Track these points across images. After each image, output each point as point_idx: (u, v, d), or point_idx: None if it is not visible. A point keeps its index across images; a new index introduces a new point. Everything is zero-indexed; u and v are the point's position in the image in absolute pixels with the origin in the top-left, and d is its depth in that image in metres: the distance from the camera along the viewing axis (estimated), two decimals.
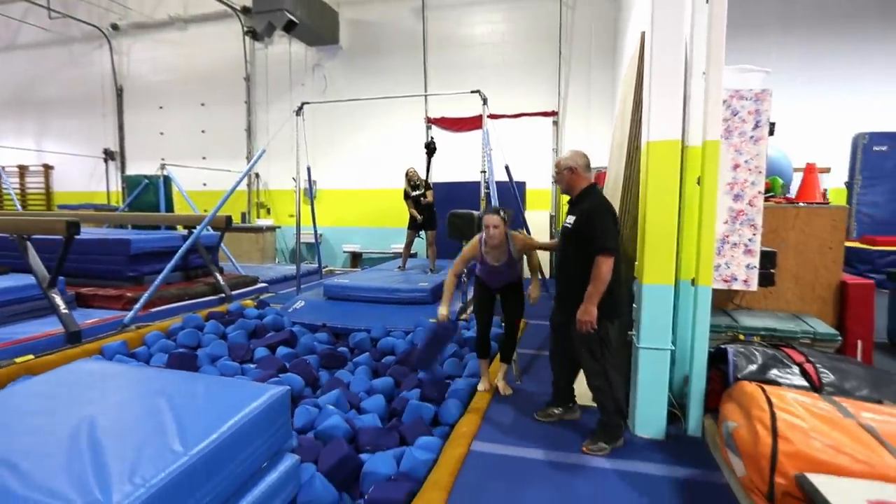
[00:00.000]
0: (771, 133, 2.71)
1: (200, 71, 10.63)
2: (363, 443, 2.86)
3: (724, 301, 3.31)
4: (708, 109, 2.48)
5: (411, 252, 7.33)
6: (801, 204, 3.18)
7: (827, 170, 7.90)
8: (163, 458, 1.79)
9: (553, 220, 8.86)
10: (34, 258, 4.28)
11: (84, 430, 1.98)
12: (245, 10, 9.21)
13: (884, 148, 7.04)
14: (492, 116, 9.13)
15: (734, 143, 2.76)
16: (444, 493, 2.14)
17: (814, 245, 3.15)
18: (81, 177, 11.67)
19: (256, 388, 2.40)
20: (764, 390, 2.02)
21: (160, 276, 5.01)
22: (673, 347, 2.57)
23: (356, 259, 10.07)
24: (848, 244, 7.03)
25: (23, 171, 12.27)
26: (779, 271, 3.12)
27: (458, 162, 8.75)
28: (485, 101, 5.50)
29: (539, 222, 8.51)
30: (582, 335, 2.50)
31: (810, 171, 3.30)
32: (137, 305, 4.81)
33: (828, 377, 2.36)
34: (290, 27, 7.76)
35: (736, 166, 2.78)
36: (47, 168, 12.12)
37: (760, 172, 2.75)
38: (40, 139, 12.06)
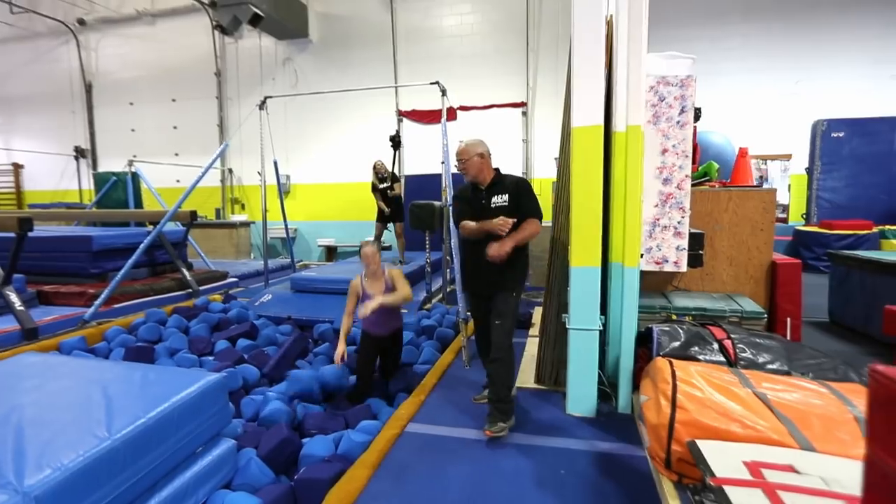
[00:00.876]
0: (696, 118, 2.79)
1: (170, 66, 10.52)
2: (308, 427, 2.93)
3: (663, 284, 3.41)
4: (630, 95, 2.55)
5: (384, 245, 7.37)
6: (733, 188, 3.28)
7: (788, 156, 8.09)
8: (83, 443, 1.84)
9: None
10: None
11: (12, 419, 2.02)
12: (212, 5, 9.11)
13: (841, 134, 7.21)
14: (461, 108, 9.23)
15: (662, 128, 2.84)
16: (369, 471, 2.21)
17: (746, 227, 3.25)
18: (52, 175, 11.50)
19: (191, 376, 2.45)
20: (671, 364, 2.11)
21: (121, 272, 5.01)
22: (601, 328, 2.65)
23: (331, 253, 10.08)
24: (807, 229, 7.24)
25: None
26: (714, 253, 3.23)
27: (428, 154, 8.79)
28: (444, 93, 5.52)
29: None
30: (501, 302, 2.63)
31: (742, 155, 3.40)
32: (98, 301, 4.80)
33: (744, 352, 2.47)
34: (255, 21, 7.71)
35: (664, 151, 2.86)
36: (17, 167, 11.93)
37: (687, 157, 2.83)
38: (9, 137, 11.86)
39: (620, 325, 2.71)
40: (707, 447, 1.70)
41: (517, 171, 9.01)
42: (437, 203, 5.72)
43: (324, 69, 9.74)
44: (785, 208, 8.55)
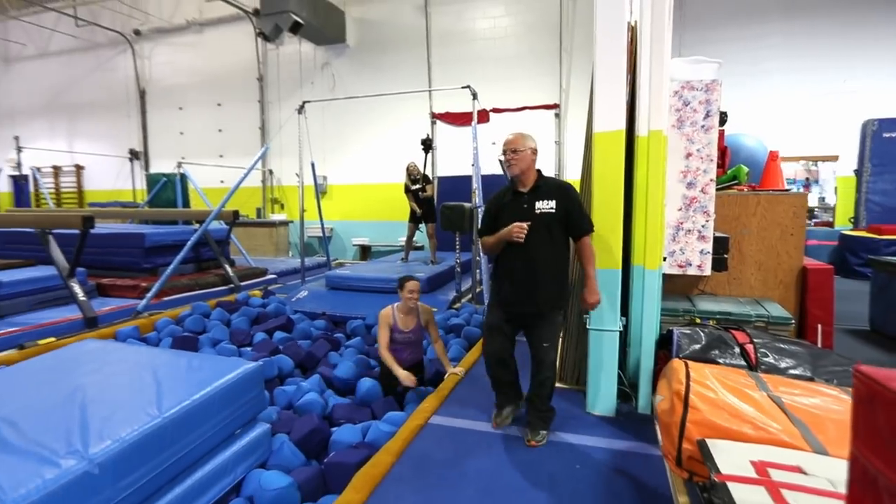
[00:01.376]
0: (722, 123, 2.79)
1: (216, 72, 11.07)
2: (337, 416, 3.10)
3: (689, 287, 3.40)
4: (652, 100, 2.58)
5: (417, 245, 7.55)
6: (762, 191, 3.24)
7: (835, 157, 7.75)
8: (137, 420, 2.06)
9: None
10: (55, 250, 4.67)
11: (77, 397, 2.27)
12: (256, 13, 9.55)
13: (893, 134, 6.86)
14: (494, 111, 9.30)
15: (686, 132, 2.86)
16: (393, 458, 2.35)
17: (775, 231, 3.20)
18: (109, 176, 12.32)
19: (230, 364, 2.66)
20: (687, 366, 2.14)
21: (170, 268, 5.37)
22: (620, 329, 2.69)
23: (365, 252, 10.36)
24: (854, 233, 6.93)
25: (57, 171, 13.02)
26: (742, 257, 3.20)
27: (461, 156, 8.90)
28: (474, 97, 5.63)
29: None
30: (551, 323, 2.49)
31: (772, 159, 3.34)
32: (149, 294, 5.17)
33: (766, 357, 2.46)
34: (295, 28, 8.04)
35: (688, 155, 2.87)
36: (79, 168, 12.83)
37: (712, 161, 2.83)
38: (72, 141, 12.77)
39: (641, 326, 2.74)
40: (716, 446, 1.74)
41: (550, 174, 9.02)
42: (467, 205, 5.83)
43: (360, 73, 10.03)
44: (830, 211, 8.19)
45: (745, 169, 3.36)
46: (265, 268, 7.61)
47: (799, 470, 1.59)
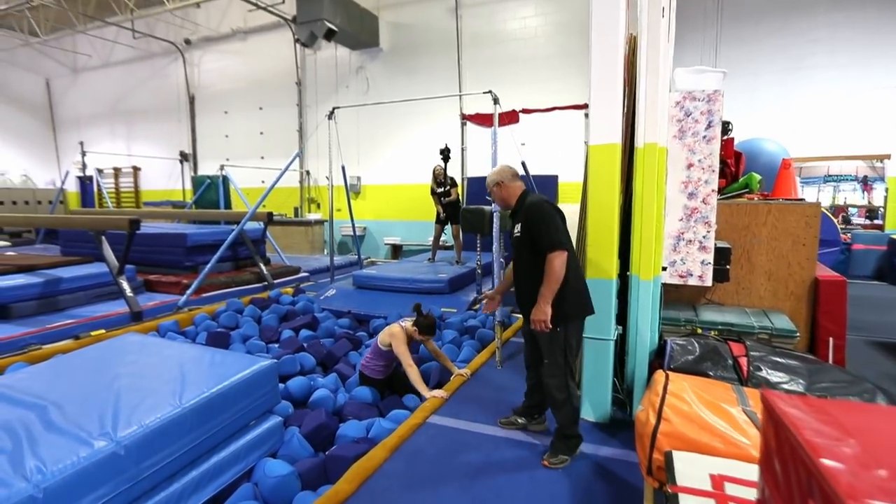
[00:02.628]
0: (725, 133, 2.77)
1: (258, 78, 11.63)
2: (346, 412, 3.31)
3: (696, 296, 3.38)
4: (647, 113, 2.62)
5: (448, 244, 7.73)
6: (773, 200, 3.17)
7: (886, 156, 7.29)
8: (161, 408, 2.32)
9: None
10: (107, 249, 5.15)
11: (114, 385, 2.57)
12: (295, 20, 9.97)
13: None
14: (524, 111, 9.29)
15: (688, 142, 2.86)
16: (388, 453, 2.52)
17: (787, 241, 3.13)
18: (162, 177, 13.20)
19: (248, 361, 2.91)
20: (667, 377, 2.19)
21: (207, 266, 5.78)
22: (614, 338, 2.75)
23: (396, 251, 10.63)
24: None
25: (117, 172, 14.07)
26: (751, 267, 3.17)
27: (490, 157, 8.97)
28: (496, 101, 5.70)
29: (572, 215, 8.57)
30: (544, 339, 2.42)
31: (785, 167, 3.25)
32: (189, 291, 5.59)
33: (758, 371, 2.46)
34: (330, 35, 8.36)
35: (690, 165, 2.87)
36: (136, 169, 13.81)
37: (714, 171, 2.82)
38: (130, 144, 13.76)
39: (636, 336, 2.79)
40: (681, 458, 1.80)
41: (579, 174, 8.93)
42: (487, 208, 5.93)
43: (393, 76, 10.27)
44: (880, 213, 7.70)
45: (758, 177, 3.29)
46: (298, 266, 7.99)
47: (756, 485, 1.64)
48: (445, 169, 6.87)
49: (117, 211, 8.85)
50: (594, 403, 2.84)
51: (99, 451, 2.01)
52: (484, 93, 5.90)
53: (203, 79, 12.45)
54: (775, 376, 2.41)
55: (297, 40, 10.43)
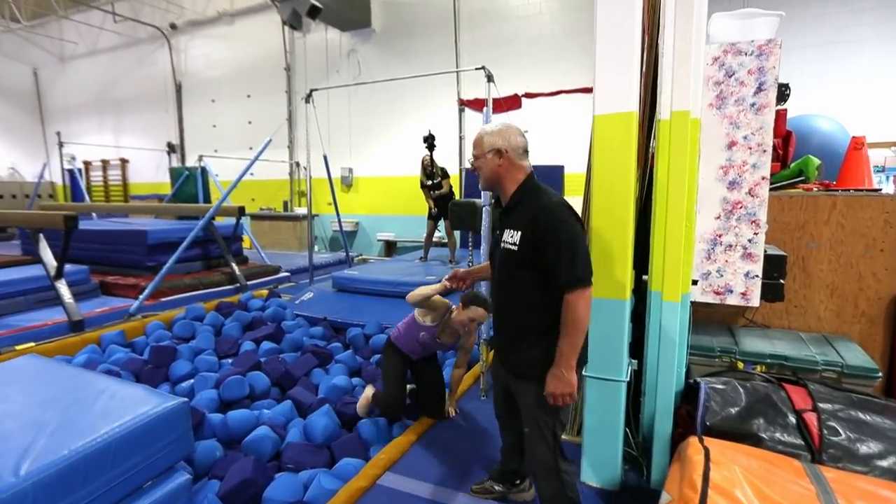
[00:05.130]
0: (782, 99, 2.02)
1: (246, 64, 10.96)
2: (286, 460, 2.63)
3: (733, 316, 2.64)
4: (676, 71, 1.87)
5: (443, 242, 7.06)
6: (839, 191, 2.40)
7: None
8: None
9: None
10: (44, 249, 4.52)
11: None
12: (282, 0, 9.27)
13: None
14: (527, 95, 8.50)
15: (729, 113, 2.10)
16: None
17: (858, 245, 2.37)
18: (149, 168, 12.63)
19: (150, 400, 2.23)
20: (707, 456, 1.47)
21: (164, 267, 5.13)
22: (625, 379, 2.02)
23: (390, 247, 9.94)
24: None
25: (105, 164, 13.53)
26: (807, 279, 2.41)
27: None
28: (489, 79, 4.95)
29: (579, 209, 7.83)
30: (528, 398, 1.71)
31: (855, 147, 2.47)
32: (142, 296, 4.96)
33: (836, 435, 1.72)
34: (314, 13, 7.64)
35: (732, 144, 2.12)
36: (124, 162, 13.25)
37: (765, 151, 2.07)
38: (118, 135, 13.20)
39: (657, 375, 2.06)
40: None
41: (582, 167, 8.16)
42: (478, 201, 5.20)
43: (386, 60, 9.53)
44: None
45: (816, 161, 2.53)
46: (278, 265, 7.34)
47: None
48: (432, 158, 6.11)
49: (72, 206, 8.23)
50: (598, 463, 2.12)
51: None
52: (476, 69, 5.15)
53: (190, 65, 11.80)
54: (865, 445, 1.67)
55: (284, 22, 9.73)
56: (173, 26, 11.65)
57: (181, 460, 2.29)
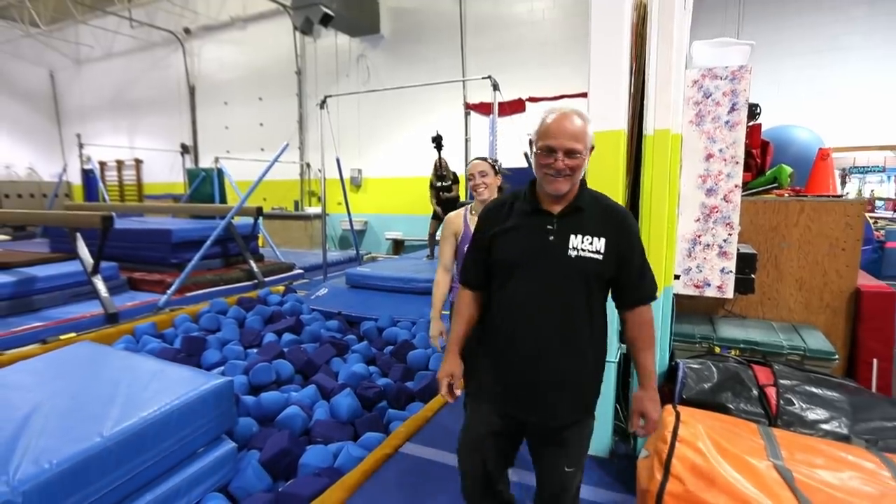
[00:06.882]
0: (752, 117, 2.33)
1: (258, 67, 11.30)
2: (315, 434, 2.96)
3: (714, 308, 2.94)
4: (658, 93, 2.18)
5: None
6: (808, 197, 2.71)
7: None
8: (80, 441, 1.99)
9: None
10: (81, 247, 4.87)
11: (37, 410, 2.24)
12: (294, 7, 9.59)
13: None
14: (531, 99, 8.83)
15: (707, 129, 2.41)
16: (346, 494, 2.16)
17: (823, 245, 2.68)
18: (163, 169, 13.00)
19: (199, 379, 2.56)
20: (678, 417, 1.79)
21: (190, 264, 5.47)
22: (615, 360, 2.34)
23: (398, 246, 10.26)
24: None
25: (120, 165, 13.92)
26: (779, 275, 2.72)
27: (497, 148, 8.53)
28: (495, 87, 5.28)
29: None
30: (574, 439, 1.56)
31: (822, 157, 2.77)
32: (170, 290, 5.30)
33: (790, 404, 2.03)
34: (326, 21, 7.96)
35: (709, 156, 2.43)
36: (138, 162, 13.63)
37: (738, 163, 2.38)
38: (132, 137, 13.58)
39: None
40: None
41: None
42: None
43: (394, 64, 9.85)
44: None
45: (789, 170, 2.83)
46: (292, 263, 7.67)
47: None
48: (440, 158, 6.40)
49: (95, 206, 8.60)
50: (593, 435, 2.43)
51: None
52: (483, 78, 5.48)
53: (203, 69, 12.16)
54: (813, 413, 1.98)
55: (295, 28, 10.06)
56: (187, 31, 12.00)
57: (225, 432, 2.62)
